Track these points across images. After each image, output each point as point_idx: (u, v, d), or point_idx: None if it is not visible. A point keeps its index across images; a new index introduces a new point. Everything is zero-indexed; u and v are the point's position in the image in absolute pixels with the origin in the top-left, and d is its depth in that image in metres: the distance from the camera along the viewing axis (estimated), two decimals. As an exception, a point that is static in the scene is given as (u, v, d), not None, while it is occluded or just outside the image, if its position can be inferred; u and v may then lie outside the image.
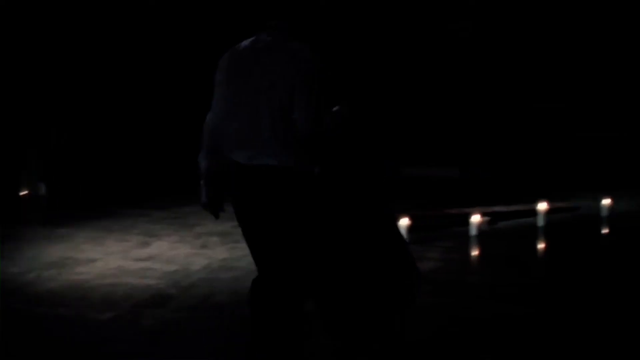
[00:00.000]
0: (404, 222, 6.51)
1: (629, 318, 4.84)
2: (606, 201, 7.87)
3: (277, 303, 3.47)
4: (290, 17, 3.42)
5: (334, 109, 3.57)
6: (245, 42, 3.48)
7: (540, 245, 7.00)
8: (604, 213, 7.81)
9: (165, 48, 10.45)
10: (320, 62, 3.35)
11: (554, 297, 5.32)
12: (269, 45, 3.39)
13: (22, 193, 8.78)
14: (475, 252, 6.69)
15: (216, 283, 5.74)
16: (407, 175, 8.65)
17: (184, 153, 10.41)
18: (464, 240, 6.91)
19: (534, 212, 7.57)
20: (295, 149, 3.36)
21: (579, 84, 9.93)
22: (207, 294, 5.48)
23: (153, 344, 4.62)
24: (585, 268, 6.08)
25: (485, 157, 9.48)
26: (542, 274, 6.08)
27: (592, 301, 5.20)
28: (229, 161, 3.49)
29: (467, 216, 7.22)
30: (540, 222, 7.46)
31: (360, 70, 3.57)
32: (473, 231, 7.04)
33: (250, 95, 3.39)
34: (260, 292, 3.52)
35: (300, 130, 3.33)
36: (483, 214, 7.35)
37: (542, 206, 7.51)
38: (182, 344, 4.61)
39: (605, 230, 7.46)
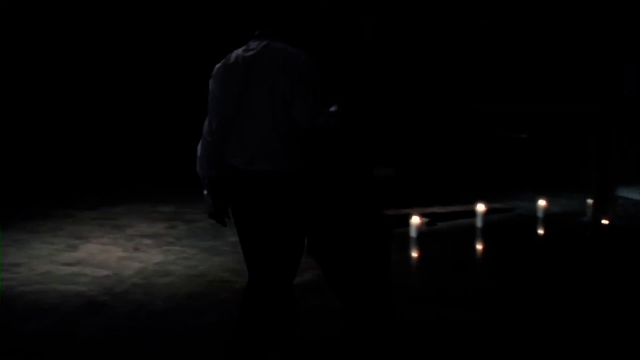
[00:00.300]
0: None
1: (572, 318, 4.83)
2: (541, 202, 7.93)
3: (274, 302, 3.56)
4: (279, 24, 3.52)
5: (332, 108, 3.57)
6: (238, 50, 3.54)
7: (480, 247, 6.97)
8: (540, 214, 7.88)
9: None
10: (315, 61, 3.45)
11: (498, 300, 5.28)
12: (263, 50, 3.46)
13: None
14: (416, 254, 6.60)
15: (152, 289, 5.47)
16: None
17: (113, 152, 10.18)
18: (404, 242, 6.81)
19: (472, 213, 7.57)
20: (295, 151, 3.44)
21: (513, 85, 10.01)
22: (143, 301, 5.20)
23: (86, 358, 4.33)
24: (524, 270, 6.07)
25: (421, 157, 9.43)
26: (485, 276, 6.02)
27: (535, 303, 5.17)
28: (228, 166, 3.52)
29: (405, 217, 7.14)
30: (479, 223, 7.45)
31: (353, 70, 3.63)
32: (413, 232, 6.96)
33: (249, 99, 3.44)
34: (255, 295, 3.59)
35: (300, 125, 3.41)
36: (422, 215, 7.29)
37: (480, 207, 7.50)
38: (118, 356, 4.34)
39: (540, 231, 7.51)
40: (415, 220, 7.01)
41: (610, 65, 7.74)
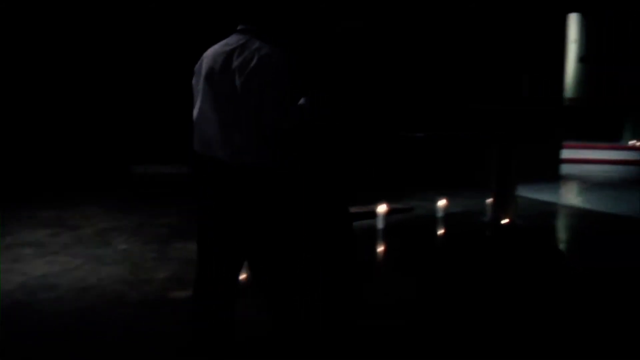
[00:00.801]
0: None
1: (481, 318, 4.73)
2: (441, 202, 7.87)
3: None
4: (260, 21, 3.50)
5: (300, 101, 3.53)
6: (217, 46, 3.54)
7: (385, 249, 6.78)
8: (440, 214, 7.81)
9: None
10: (290, 59, 3.43)
11: (423, 305, 5.10)
12: (239, 48, 3.45)
13: None
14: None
15: (37, 306, 4.93)
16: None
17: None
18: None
19: (373, 214, 7.40)
20: (276, 148, 3.43)
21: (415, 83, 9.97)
22: (28, 320, 4.67)
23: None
24: (433, 272, 5.94)
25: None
26: (399, 279, 5.82)
27: (455, 306, 5.02)
28: (208, 159, 3.49)
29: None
30: (380, 224, 7.28)
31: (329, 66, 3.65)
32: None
33: (226, 97, 3.42)
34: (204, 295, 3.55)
35: (268, 125, 3.37)
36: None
37: (382, 208, 7.33)
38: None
39: (442, 232, 7.42)
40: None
41: (512, 65, 7.78)
